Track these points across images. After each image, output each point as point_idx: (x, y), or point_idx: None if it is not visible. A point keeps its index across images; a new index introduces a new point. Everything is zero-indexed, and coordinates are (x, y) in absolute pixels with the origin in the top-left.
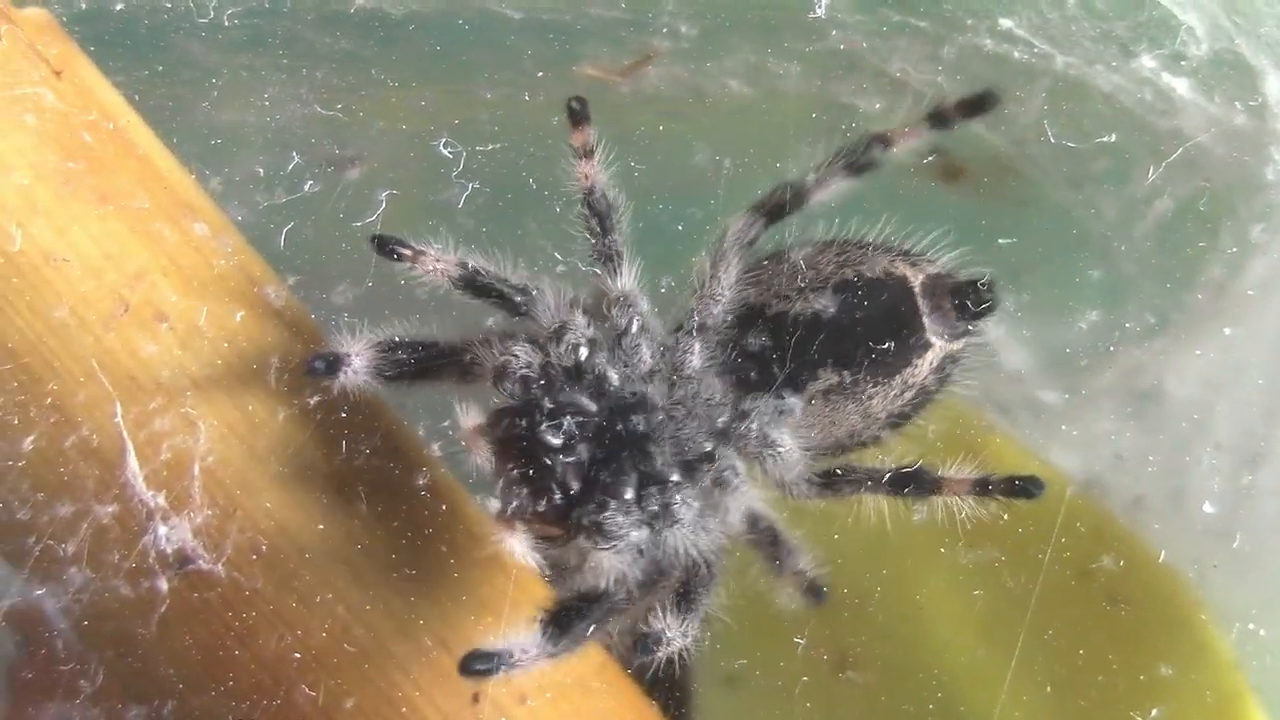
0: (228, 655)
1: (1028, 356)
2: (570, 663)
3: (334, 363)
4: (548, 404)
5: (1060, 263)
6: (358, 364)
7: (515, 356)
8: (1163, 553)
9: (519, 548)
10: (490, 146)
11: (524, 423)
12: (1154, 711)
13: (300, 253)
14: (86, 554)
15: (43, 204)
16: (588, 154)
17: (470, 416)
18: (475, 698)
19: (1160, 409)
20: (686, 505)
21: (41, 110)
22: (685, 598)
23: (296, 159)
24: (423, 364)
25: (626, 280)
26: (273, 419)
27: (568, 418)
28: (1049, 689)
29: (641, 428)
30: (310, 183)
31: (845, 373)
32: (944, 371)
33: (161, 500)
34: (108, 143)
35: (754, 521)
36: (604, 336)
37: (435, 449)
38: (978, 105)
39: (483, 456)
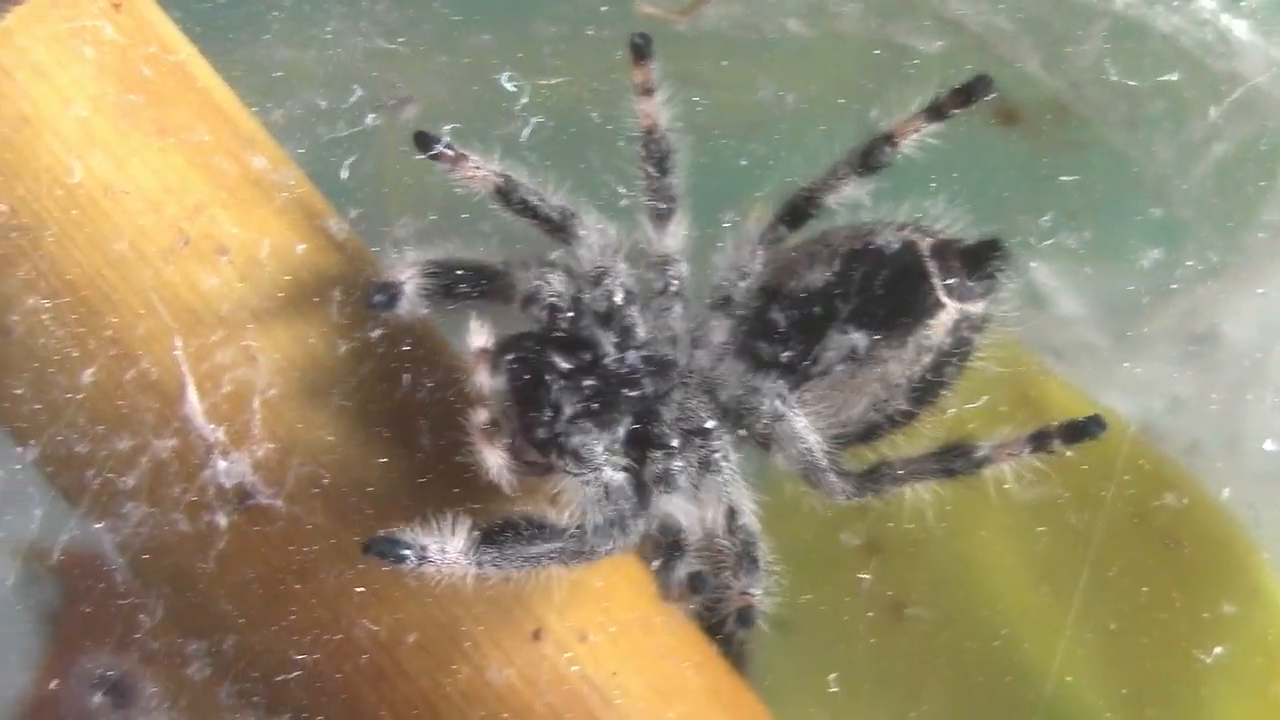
0: (288, 590)
1: (1085, 298)
2: (633, 600)
3: (393, 294)
4: (567, 335)
5: (1119, 204)
6: (409, 289)
7: (548, 283)
8: (1225, 490)
9: (493, 463)
10: (553, 80)
11: (540, 347)
12: (1216, 650)
13: (362, 186)
14: (146, 488)
15: (102, 136)
16: (648, 92)
17: (478, 336)
18: (536, 634)
19: (1217, 352)
20: (671, 464)
21: (100, 43)
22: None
23: (358, 92)
24: (467, 285)
25: (673, 238)
26: (334, 352)
27: (583, 353)
28: (1112, 626)
29: (649, 385)
30: (372, 116)
31: (858, 335)
32: (961, 336)
33: (221, 434)
34: (167, 76)
35: (731, 519)
36: (640, 289)
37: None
38: (970, 92)
39: (481, 379)
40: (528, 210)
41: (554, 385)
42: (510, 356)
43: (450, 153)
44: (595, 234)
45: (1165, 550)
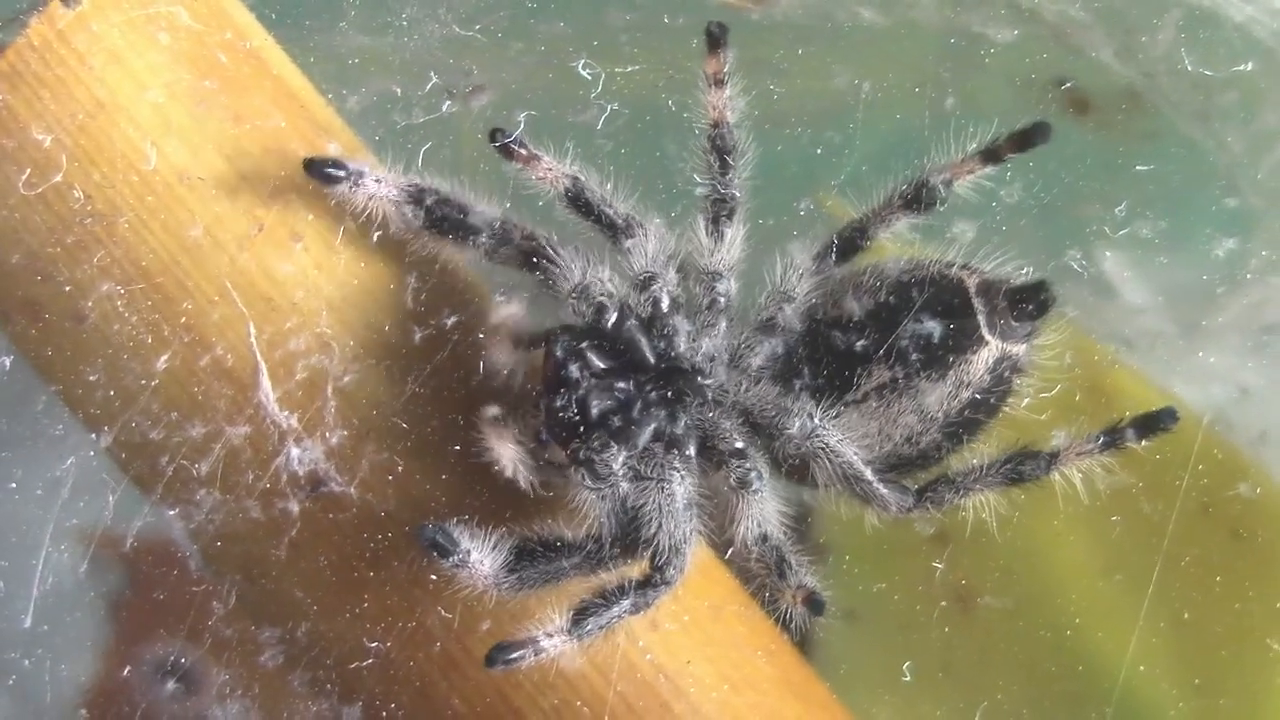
0: (361, 578)
1: (1157, 288)
2: (705, 588)
3: (345, 176)
4: (610, 335)
5: (1193, 194)
6: (378, 188)
7: (602, 281)
8: None
9: (507, 457)
10: (629, 68)
11: (582, 342)
12: None
13: (438, 173)
14: (219, 475)
15: (177, 123)
16: (719, 83)
17: (504, 309)
18: None
19: None
20: (682, 482)
21: (176, 29)
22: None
23: (434, 79)
24: (513, 245)
25: (727, 250)
26: (409, 339)
27: (621, 356)
28: (1185, 615)
29: (682, 398)
30: (448, 103)
31: (898, 367)
32: (1001, 375)
33: (294, 421)
34: (242, 63)
35: (763, 538)
36: (686, 301)
37: None
38: (1028, 138)
39: (500, 354)
40: (593, 214)
41: (588, 382)
42: (552, 345)
43: (524, 151)
44: (655, 242)
45: (1237, 540)
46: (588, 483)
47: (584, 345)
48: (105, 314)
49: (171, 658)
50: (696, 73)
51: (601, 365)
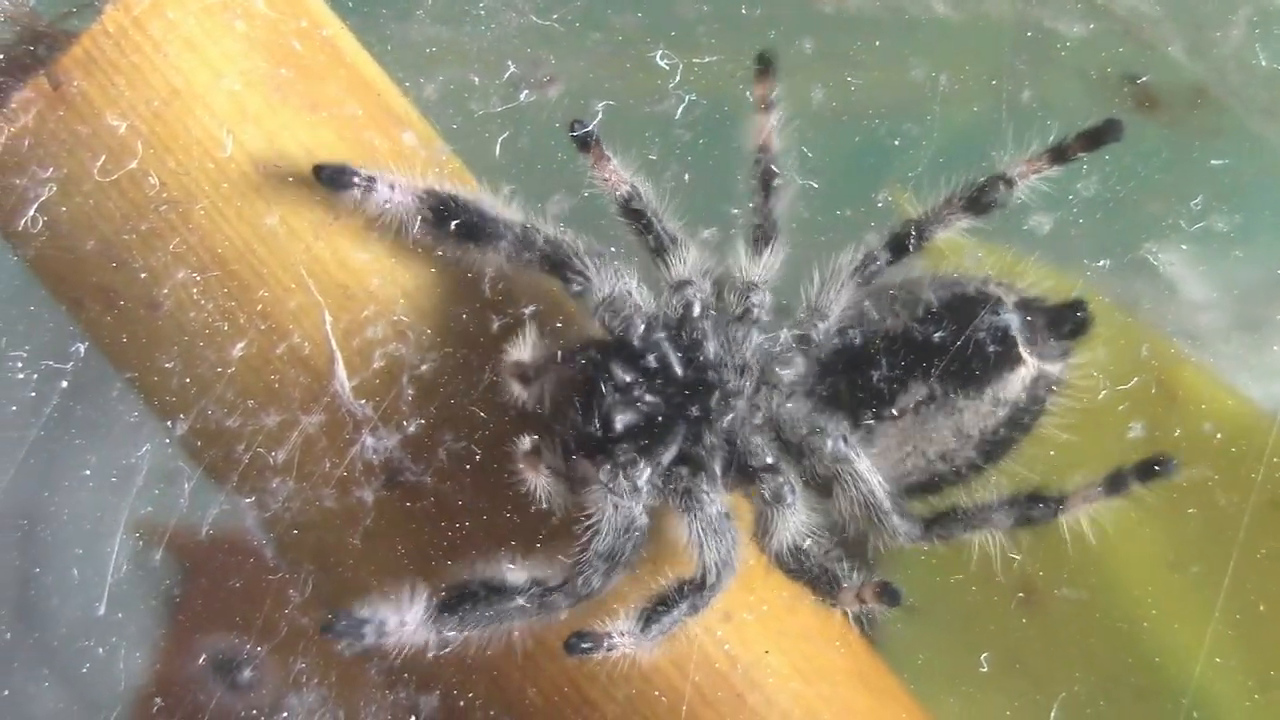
0: (438, 567)
1: (1227, 283)
2: (779, 580)
3: (357, 182)
4: (638, 350)
5: (1266, 189)
6: (390, 193)
7: (630, 294)
8: None
9: (541, 488)
10: (707, 59)
11: (609, 358)
12: None
13: (515, 162)
14: (294, 464)
15: (253, 111)
16: (767, 108)
17: (518, 349)
18: None
19: None
20: (713, 500)
21: (251, 16)
22: (669, 599)
23: (511, 69)
24: (535, 250)
25: (765, 268)
26: (486, 328)
27: (648, 367)
28: (1261, 608)
29: (711, 412)
30: (525, 92)
31: (936, 385)
32: (1038, 394)
33: (370, 410)
34: (317, 51)
35: (797, 550)
36: (718, 313)
37: None
38: (1099, 136)
39: (516, 391)
40: (643, 224)
41: (615, 398)
42: (580, 361)
43: (599, 152)
44: (695, 256)
45: None
46: (612, 493)
47: (611, 361)
48: (180, 301)
49: (247, 646)
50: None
51: (628, 380)
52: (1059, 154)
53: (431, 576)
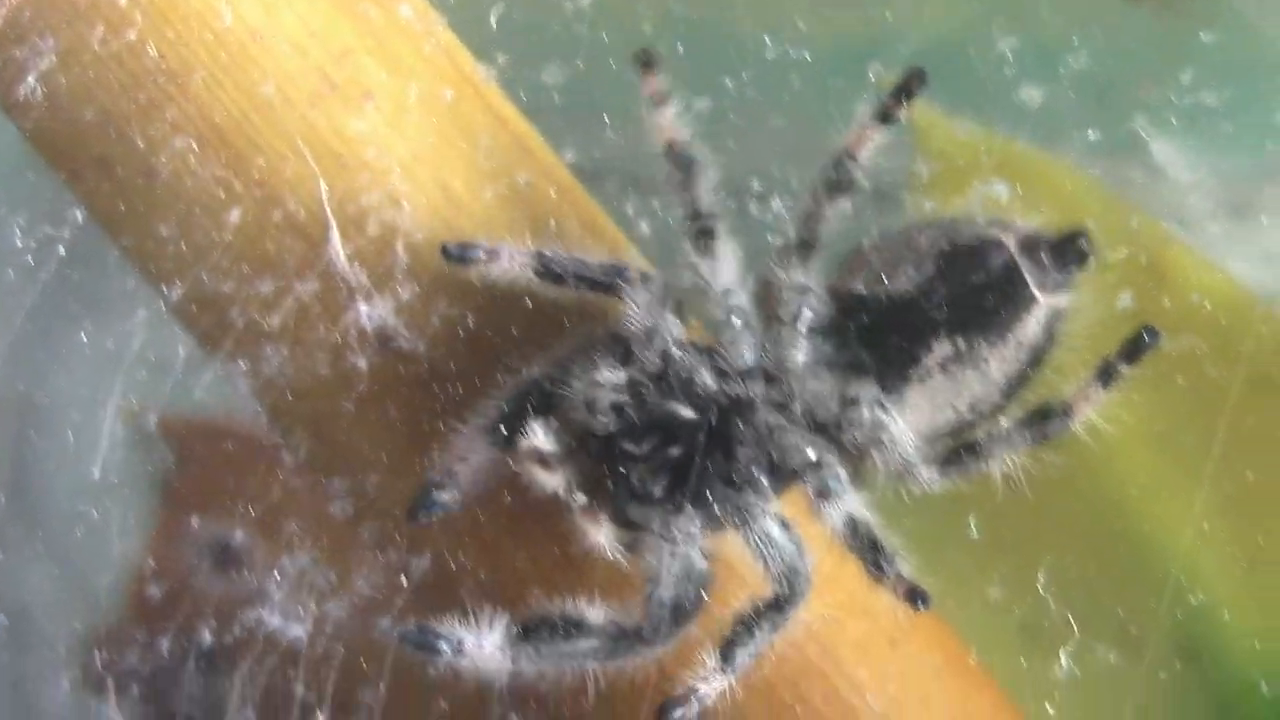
0: (431, 430)
1: (1215, 162)
2: None
3: (438, 497)
4: (639, 422)
5: (1255, 65)
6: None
7: (602, 386)
8: None
9: (605, 542)
10: None
11: (616, 448)
12: None
13: (510, 33)
14: (289, 331)
15: None
16: (661, 103)
17: (535, 438)
18: None
19: None
20: (765, 513)
21: None
22: (749, 622)
23: None
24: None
25: (723, 265)
26: (479, 198)
27: (657, 432)
28: (1250, 476)
29: (735, 433)
30: None
31: (959, 339)
32: (1052, 328)
33: (364, 278)
34: None
35: (853, 527)
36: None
37: (643, 227)
38: (907, 90)
39: (541, 479)
40: (570, 279)
41: (637, 475)
42: (596, 442)
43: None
44: (642, 290)
45: None
46: (667, 541)
47: (625, 441)
48: (177, 170)
49: (240, 508)
50: None
51: (648, 451)
52: (882, 116)
53: (423, 442)
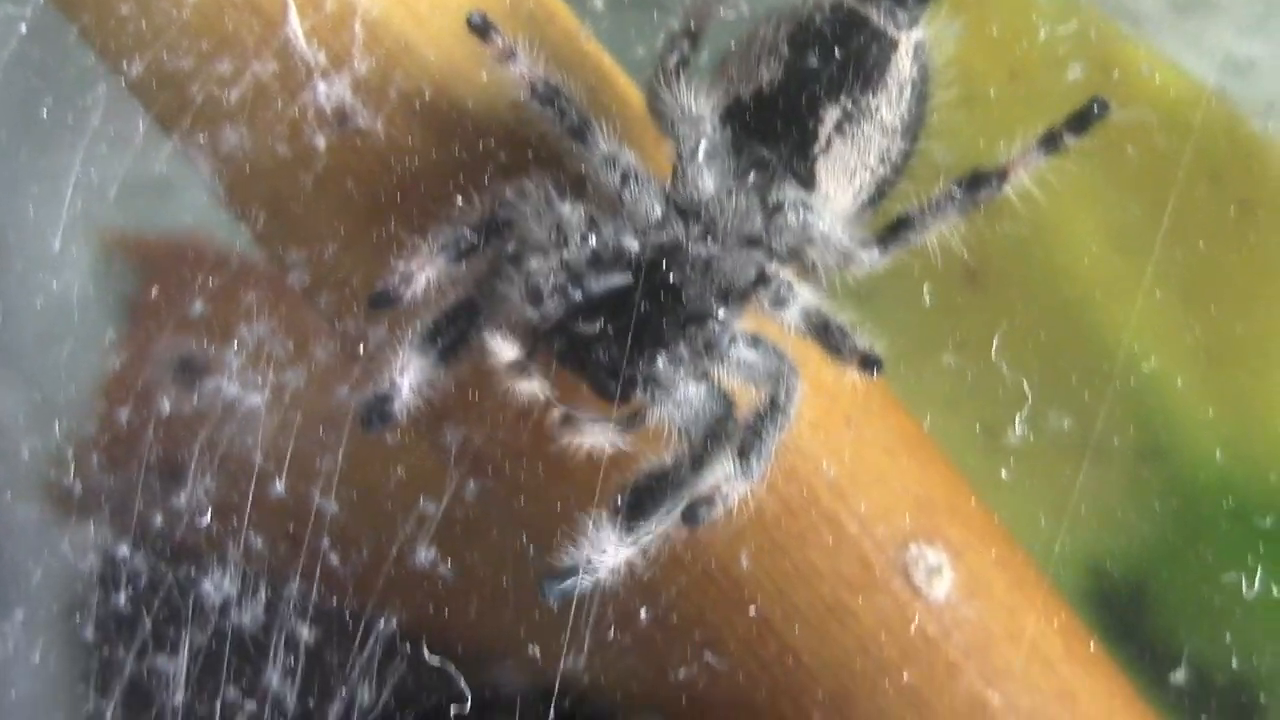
0: (389, 202)
1: None
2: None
3: (388, 408)
4: (583, 302)
5: None
6: (405, 389)
7: (536, 274)
8: None
9: (600, 439)
10: None
11: (569, 334)
12: None
13: None
14: (247, 109)
15: None
16: (510, 57)
17: (505, 351)
18: None
19: None
20: (730, 330)
21: None
22: (756, 429)
23: None
24: (467, 330)
25: (603, 142)
26: None
27: (603, 307)
28: (1201, 244)
29: (675, 277)
30: None
31: (843, 99)
32: (921, 61)
33: (322, 57)
34: None
35: (809, 319)
36: (600, 204)
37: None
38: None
39: (524, 386)
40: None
41: (606, 354)
42: (558, 353)
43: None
44: (528, 194)
45: (1246, 210)
46: (662, 404)
47: (575, 327)
48: None
49: (199, 281)
50: None
51: (597, 329)
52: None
53: (380, 214)
